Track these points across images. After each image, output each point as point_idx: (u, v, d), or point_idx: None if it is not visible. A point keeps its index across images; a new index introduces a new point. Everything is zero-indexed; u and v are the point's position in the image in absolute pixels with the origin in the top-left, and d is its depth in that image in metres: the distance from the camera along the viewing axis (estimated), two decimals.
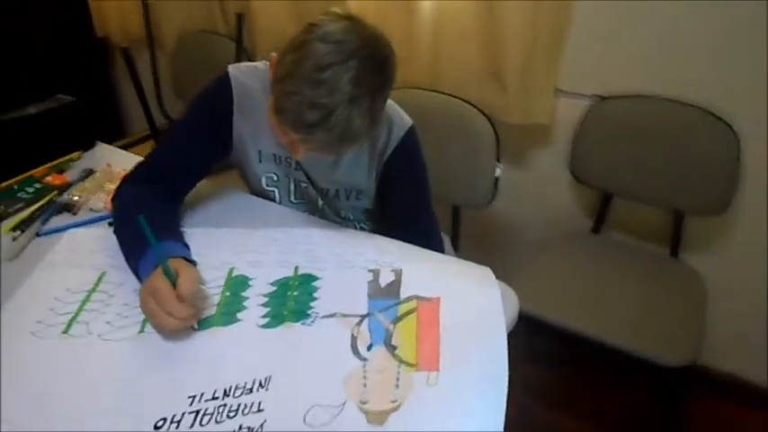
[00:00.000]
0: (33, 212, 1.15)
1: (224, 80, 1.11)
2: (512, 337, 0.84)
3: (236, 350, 0.82)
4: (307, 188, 1.19)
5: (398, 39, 1.78)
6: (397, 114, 1.13)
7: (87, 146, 1.42)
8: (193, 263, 0.95)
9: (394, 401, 0.72)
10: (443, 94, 1.63)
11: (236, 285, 0.94)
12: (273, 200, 1.22)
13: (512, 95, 1.70)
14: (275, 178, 1.20)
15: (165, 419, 0.72)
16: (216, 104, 1.12)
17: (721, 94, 1.49)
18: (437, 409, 0.72)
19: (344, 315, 0.86)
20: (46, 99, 1.37)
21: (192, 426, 0.71)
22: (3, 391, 0.75)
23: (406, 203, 1.19)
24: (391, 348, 0.80)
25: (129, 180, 1.11)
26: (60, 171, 1.32)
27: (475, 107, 1.56)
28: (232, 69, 1.12)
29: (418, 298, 0.89)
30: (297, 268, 0.98)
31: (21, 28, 2.42)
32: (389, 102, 1.11)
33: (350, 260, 0.99)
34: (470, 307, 0.87)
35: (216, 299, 0.91)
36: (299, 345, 0.82)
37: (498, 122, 1.58)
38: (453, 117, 1.60)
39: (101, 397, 0.75)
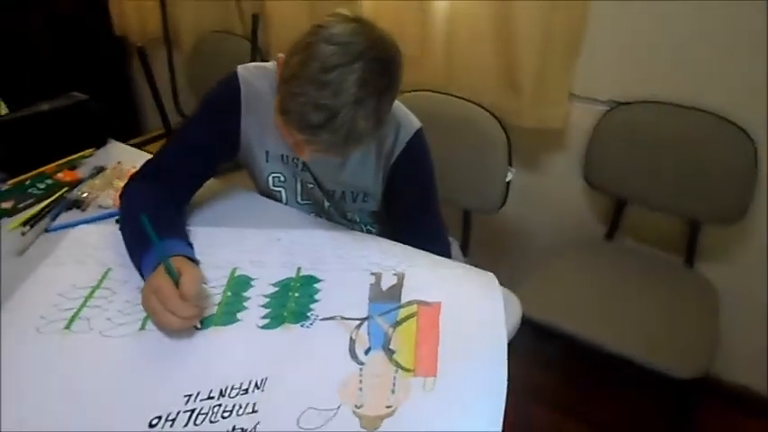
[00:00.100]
0: (43, 208, 1.16)
1: (232, 80, 1.11)
2: (520, 343, 0.82)
3: (235, 350, 0.82)
4: (313, 189, 1.19)
5: (412, 40, 1.80)
6: (406, 117, 1.13)
7: (100, 143, 1.43)
8: (196, 262, 0.96)
9: (389, 406, 0.72)
10: (456, 97, 1.62)
11: (238, 285, 0.94)
12: (280, 200, 1.22)
13: (525, 99, 1.69)
14: (282, 179, 1.20)
15: (159, 417, 0.72)
16: (224, 104, 1.12)
17: (738, 101, 1.46)
18: (432, 416, 0.71)
19: (344, 318, 0.86)
20: (59, 96, 1.38)
21: (186, 425, 0.71)
22: (4, 387, 0.76)
23: (412, 206, 1.19)
24: (389, 353, 0.80)
25: (137, 178, 1.12)
26: (72, 168, 1.33)
27: (487, 111, 1.55)
28: (241, 69, 1.12)
29: (419, 302, 0.88)
30: (299, 269, 0.97)
31: (40, 26, 2.46)
32: (398, 104, 1.11)
33: (353, 262, 0.98)
34: (472, 313, 0.86)
35: (217, 298, 0.91)
36: (297, 347, 0.82)
37: (511, 126, 1.57)
38: (465, 120, 1.59)
39: (97, 393, 0.75)
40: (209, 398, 0.74)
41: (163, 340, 0.83)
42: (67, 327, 0.86)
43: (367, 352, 0.80)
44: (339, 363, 0.78)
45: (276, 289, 0.93)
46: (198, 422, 0.71)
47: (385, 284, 0.92)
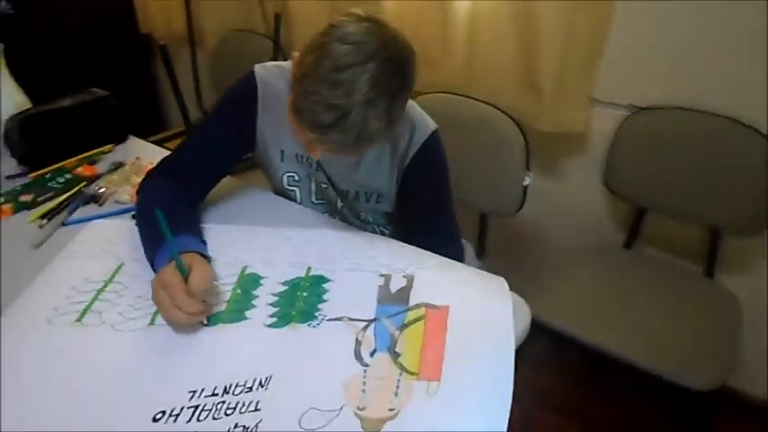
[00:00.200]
0: (61, 202, 1.18)
1: (249, 79, 1.12)
2: (533, 348, 0.81)
3: (241, 348, 0.82)
4: (327, 189, 1.19)
5: (433, 41, 1.79)
6: (421, 118, 1.12)
7: (119, 139, 1.45)
8: (209, 259, 0.96)
9: (392, 409, 0.71)
10: (474, 99, 1.61)
11: (248, 283, 0.94)
12: (294, 199, 1.22)
13: (545, 103, 1.67)
14: (296, 178, 1.20)
15: (164, 412, 0.72)
16: (240, 103, 1.13)
17: (764, 109, 1.42)
18: (434, 420, 0.70)
19: (351, 319, 0.86)
20: (81, 92, 1.41)
21: (189, 420, 0.71)
22: (14, 377, 0.77)
23: (425, 208, 1.18)
24: (394, 355, 0.79)
25: (154, 174, 1.13)
26: (92, 163, 1.36)
27: (506, 114, 1.54)
28: (258, 68, 1.13)
29: (427, 305, 0.87)
30: (309, 269, 0.97)
31: (68, 22, 2.50)
32: (413, 105, 1.11)
33: (362, 264, 0.98)
34: (480, 318, 0.85)
35: (226, 295, 0.92)
36: (303, 346, 0.82)
37: (530, 129, 1.55)
38: (483, 123, 1.58)
39: (103, 386, 0.76)
40: (214, 394, 0.75)
41: (171, 336, 0.84)
42: (79, 319, 0.87)
43: (372, 354, 0.80)
44: (344, 364, 0.78)
45: (285, 288, 0.93)
46: (201, 418, 0.72)
47: (394, 286, 0.92)
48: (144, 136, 1.51)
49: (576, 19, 1.55)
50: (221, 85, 2.43)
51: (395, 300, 0.89)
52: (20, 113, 1.32)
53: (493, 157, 1.57)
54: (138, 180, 1.15)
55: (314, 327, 0.85)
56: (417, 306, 0.87)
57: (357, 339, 0.82)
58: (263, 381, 0.76)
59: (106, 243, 1.05)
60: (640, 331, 1.41)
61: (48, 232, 1.09)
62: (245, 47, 2.30)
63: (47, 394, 0.75)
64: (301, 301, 0.90)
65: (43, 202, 1.19)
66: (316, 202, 1.23)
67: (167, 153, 1.21)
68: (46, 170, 1.31)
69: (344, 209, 1.23)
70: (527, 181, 1.53)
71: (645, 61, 1.57)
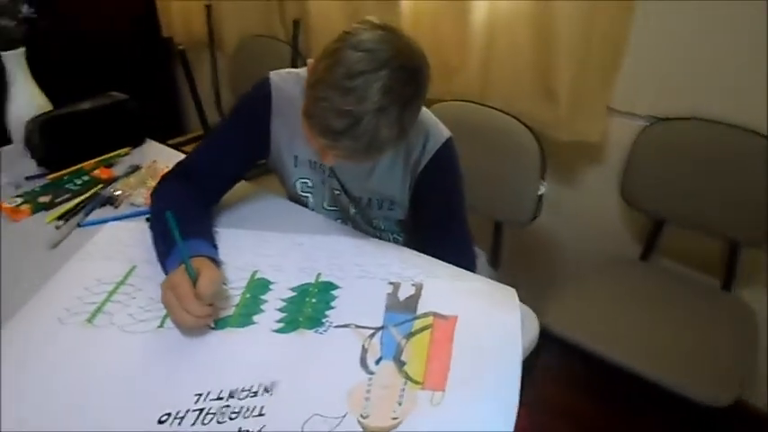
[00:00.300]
0: (78, 204, 1.20)
1: (264, 85, 1.13)
2: (546, 359, 0.80)
3: (247, 353, 0.83)
4: (340, 196, 1.20)
5: (450, 45, 1.79)
6: (435, 126, 1.12)
7: (137, 142, 1.47)
8: (219, 263, 0.97)
9: (395, 418, 0.71)
10: (490, 107, 1.61)
11: (258, 288, 0.95)
12: (307, 206, 1.23)
13: (562, 112, 1.66)
14: (310, 184, 1.20)
15: (169, 415, 0.73)
16: (255, 109, 1.14)
17: None
18: (436, 430, 0.70)
19: (358, 326, 0.86)
20: (100, 95, 1.43)
21: (193, 424, 0.72)
22: (25, 374, 0.78)
23: (438, 216, 1.18)
24: (400, 364, 0.79)
25: (169, 177, 1.14)
26: (109, 165, 1.37)
27: (522, 123, 1.53)
28: (273, 75, 1.14)
29: (435, 315, 0.87)
30: (319, 275, 0.98)
31: (90, 26, 2.54)
32: (427, 113, 1.11)
33: (372, 271, 0.98)
34: (487, 329, 0.84)
35: (235, 299, 0.92)
36: (309, 352, 0.82)
37: (547, 138, 1.54)
38: (499, 132, 1.58)
39: (110, 387, 0.77)
40: (219, 398, 0.75)
41: (179, 339, 0.85)
42: (90, 320, 0.88)
43: (378, 362, 0.79)
44: (349, 371, 0.78)
45: (294, 294, 0.94)
46: (206, 422, 0.72)
47: (402, 295, 0.92)
48: (163, 139, 1.53)
49: (594, 28, 1.54)
50: (240, 89, 2.44)
51: (403, 308, 0.89)
52: (40, 116, 1.35)
53: (508, 166, 1.57)
54: (154, 183, 1.16)
55: (321, 333, 0.85)
56: (425, 315, 0.87)
57: (363, 347, 0.82)
58: (268, 386, 0.76)
59: (120, 245, 1.06)
60: (655, 345, 1.39)
61: (64, 233, 1.11)
62: (264, 52, 2.32)
63: (51, 394, 0.76)
64: (309, 307, 0.90)
65: (61, 203, 1.21)
66: (328, 208, 1.23)
67: (183, 157, 1.22)
68: (64, 172, 1.33)
69: (357, 216, 1.23)
70: (542, 190, 1.52)
71: (664, 72, 1.55)
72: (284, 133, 1.14)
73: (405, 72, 0.87)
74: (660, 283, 1.63)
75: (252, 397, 0.75)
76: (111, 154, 1.41)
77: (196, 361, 0.81)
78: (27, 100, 1.39)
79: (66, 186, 1.28)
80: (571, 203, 1.87)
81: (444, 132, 1.12)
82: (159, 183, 1.14)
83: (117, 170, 1.35)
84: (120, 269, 0.99)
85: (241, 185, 1.22)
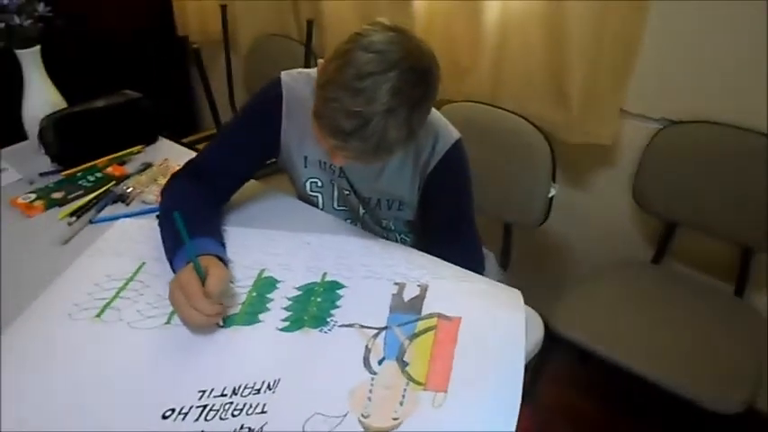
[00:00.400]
0: (90, 201, 1.22)
1: (275, 85, 1.13)
2: (555, 362, 0.80)
3: (252, 350, 0.83)
4: (349, 196, 1.20)
5: (463, 45, 1.79)
6: (444, 127, 1.12)
7: (150, 140, 1.48)
8: (227, 261, 0.98)
9: (395, 418, 0.71)
10: (501, 109, 1.60)
11: (264, 287, 0.96)
12: (317, 205, 1.23)
13: (574, 114, 1.65)
14: (319, 184, 1.21)
15: (173, 410, 0.74)
16: (266, 109, 1.14)
17: None
18: (437, 431, 0.70)
19: (362, 326, 0.86)
20: (113, 93, 1.44)
21: (197, 419, 0.72)
22: (32, 369, 0.80)
23: (446, 217, 1.18)
24: (402, 364, 0.79)
25: (179, 175, 1.15)
26: (121, 163, 1.39)
27: (533, 125, 1.53)
28: (284, 75, 1.14)
29: (439, 316, 0.87)
30: (325, 274, 0.98)
31: (107, 25, 2.57)
32: (437, 114, 1.11)
33: (378, 271, 0.98)
34: (491, 331, 0.84)
35: (242, 298, 0.93)
36: (313, 351, 0.83)
37: (558, 140, 1.53)
38: (510, 133, 1.57)
39: (116, 382, 0.78)
40: (222, 395, 0.76)
41: (185, 336, 0.86)
42: (98, 315, 0.89)
43: (380, 362, 0.80)
44: (352, 371, 0.79)
45: (300, 293, 0.94)
46: (209, 418, 0.73)
47: (407, 295, 0.92)
48: (178, 137, 1.54)
49: (607, 28, 1.53)
50: (254, 88, 2.45)
51: (407, 308, 0.89)
52: (55, 113, 1.36)
53: (518, 168, 1.56)
54: (164, 181, 1.17)
55: (325, 332, 0.86)
56: (429, 316, 0.87)
57: (367, 347, 0.82)
58: (271, 384, 0.77)
59: (130, 242, 1.08)
60: (665, 350, 1.38)
61: (75, 229, 1.12)
62: (278, 51, 2.33)
63: (56, 389, 0.77)
64: (315, 306, 0.91)
65: (73, 199, 1.23)
66: (338, 208, 1.24)
67: (195, 155, 1.23)
68: (78, 169, 1.35)
69: (366, 216, 1.23)
70: (552, 192, 1.51)
71: (678, 74, 1.54)
72: (294, 133, 1.15)
73: (414, 73, 0.87)
74: (672, 287, 1.62)
75: (255, 394, 0.76)
76: (124, 152, 1.42)
77: (201, 358, 0.82)
78: (42, 97, 1.41)
79: (80, 183, 1.29)
80: (582, 205, 1.86)
81: (454, 134, 1.12)
82: (169, 181, 1.15)
83: (129, 168, 1.37)
84: (129, 266, 1.01)
85: (250, 184, 1.23)
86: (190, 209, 0.99)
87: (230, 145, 1.17)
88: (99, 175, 1.33)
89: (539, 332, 0.88)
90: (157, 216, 1.13)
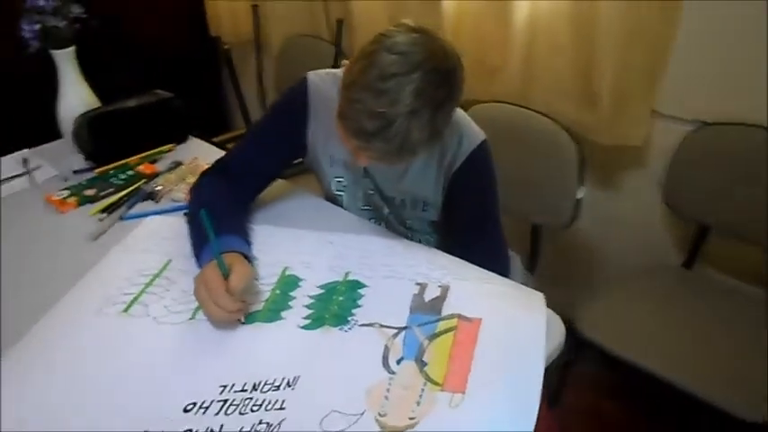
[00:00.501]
0: (121, 198, 1.25)
1: (302, 85, 1.14)
2: (583, 367, 0.79)
3: (273, 347, 0.85)
4: (373, 196, 1.20)
5: (492, 45, 1.78)
6: (469, 128, 1.12)
7: (180, 139, 1.51)
8: (251, 259, 0.99)
9: (412, 418, 0.71)
10: (530, 110, 1.59)
11: (287, 285, 0.97)
12: (341, 205, 1.24)
13: (604, 115, 1.62)
14: (344, 183, 1.22)
15: (194, 404, 0.75)
16: (292, 108, 1.16)
17: None
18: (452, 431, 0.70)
19: (382, 326, 0.87)
20: (145, 93, 1.48)
21: (217, 413, 0.74)
22: (61, 359, 0.82)
23: (471, 218, 1.17)
24: (421, 364, 0.79)
25: (208, 174, 1.18)
26: (153, 161, 1.42)
27: (562, 126, 1.51)
28: (311, 75, 1.15)
29: (460, 317, 0.87)
30: (347, 274, 0.99)
31: (140, 26, 2.62)
32: (462, 114, 1.11)
33: (400, 271, 0.99)
34: (511, 333, 0.84)
35: (265, 295, 0.94)
36: (333, 350, 0.83)
37: (587, 141, 1.51)
38: (538, 134, 1.56)
39: (141, 374, 0.80)
40: (243, 390, 0.77)
41: (208, 331, 0.87)
42: (126, 310, 0.92)
43: (399, 362, 0.80)
44: (370, 369, 0.79)
45: (322, 291, 0.95)
46: (229, 412, 0.74)
47: (428, 296, 0.92)
48: (209, 136, 1.57)
49: (639, 28, 1.50)
50: (284, 88, 2.48)
51: (428, 309, 0.89)
52: (89, 112, 1.40)
53: (547, 169, 1.55)
54: (193, 179, 1.19)
55: (346, 331, 0.86)
56: (450, 316, 0.87)
57: (386, 346, 0.83)
58: (290, 380, 0.78)
59: (158, 238, 1.10)
60: (695, 356, 1.35)
61: (106, 226, 1.15)
62: (308, 52, 2.35)
63: (77, 380, 0.79)
64: (336, 304, 0.92)
65: (105, 196, 1.26)
66: (362, 208, 1.25)
67: (223, 154, 1.26)
68: (110, 166, 1.38)
69: (390, 216, 1.24)
70: (581, 194, 1.50)
71: (712, 74, 1.50)
72: (321, 133, 1.16)
73: (437, 75, 0.87)
74: (703, 293, 1.58)
75: (274, 390, 0.77)
76: (155, 150, 1.45)
77: (223, 353, 0.84)
78: (76, 97, 1.45)
79: (111, 180, 1.33)
80: (611, 208, 1.83)
81: (479, 134, 1.12)
82: (199, 179, 1.17)
83: (160, 166, 1.40)
84: (157, 262, 1.03)
85: (277, 183, 1.24)
86: (217, 206, 1.01)
87: (258, 144, 1.18)
88: (130, 172, 1.36)
89: (560, 336, 0.88)
90: (185, 213, 1.16)
